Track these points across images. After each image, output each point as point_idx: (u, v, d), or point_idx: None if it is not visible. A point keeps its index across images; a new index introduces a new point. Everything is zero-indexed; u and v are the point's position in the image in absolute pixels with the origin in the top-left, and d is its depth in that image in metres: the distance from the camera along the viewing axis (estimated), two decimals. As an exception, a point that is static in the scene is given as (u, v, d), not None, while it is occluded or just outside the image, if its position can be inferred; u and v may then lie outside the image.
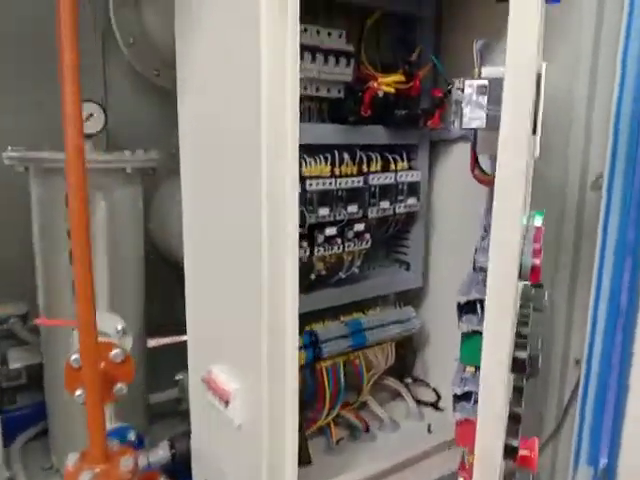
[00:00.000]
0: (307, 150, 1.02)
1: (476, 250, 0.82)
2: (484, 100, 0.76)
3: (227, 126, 0.84)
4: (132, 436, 1.24)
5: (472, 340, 0.79)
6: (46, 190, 1.34)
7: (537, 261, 0.77)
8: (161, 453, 1.28)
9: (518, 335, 0.77)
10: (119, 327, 1.23)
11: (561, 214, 1.41)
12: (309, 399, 1.10)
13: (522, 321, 0.82)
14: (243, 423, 0.87)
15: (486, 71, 0.80)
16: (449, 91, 1.07)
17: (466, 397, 0.81)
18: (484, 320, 0.74)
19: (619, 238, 1.25)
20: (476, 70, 0.86)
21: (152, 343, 1.64)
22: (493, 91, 0.75)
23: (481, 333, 0.75)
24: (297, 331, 0.81)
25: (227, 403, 0.86)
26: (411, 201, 1.16)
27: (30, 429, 1.60)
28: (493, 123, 0.74)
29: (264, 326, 0.79)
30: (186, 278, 1.05)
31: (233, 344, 0.92)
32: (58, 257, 1.35)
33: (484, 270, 0.75)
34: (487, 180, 0.99)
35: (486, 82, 0.76)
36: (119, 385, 1.11)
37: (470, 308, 0.80)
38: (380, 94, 1.02)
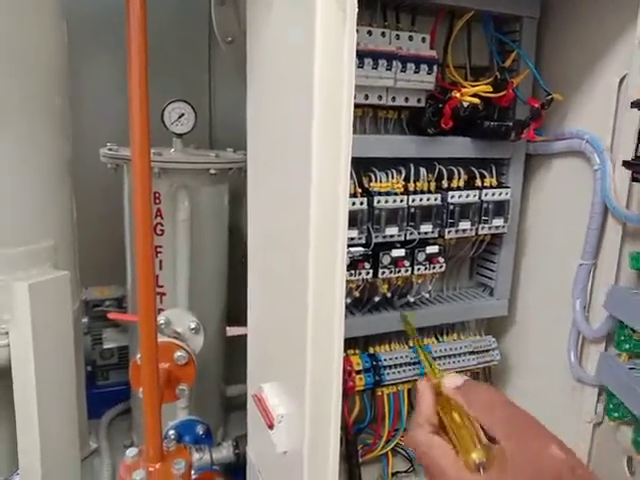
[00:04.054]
0: (378, 163, 0.95)
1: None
2: None
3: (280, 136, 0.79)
4: (200, 430, 1.27)
5: None
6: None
7: None
8: (224, 452, 1.29)
9: None
10: (192, 325, 1.26)
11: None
12: (367, 425, 1.05)
13: None
14: (288, 450, 0.84)
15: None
16: (548, 101, 0.94)
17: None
18: None
19: None
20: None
21: (231, 332, 1.65)
22: None
23: None
24: (342, 355, 0.74)
25: (271, 427, 0.83)
26: (497, 222, 1.03)
27: (118, 406, 1.71)
28: None
29: (309, 346, 0.73)
30: (249, 282, 1.01)
31: (284, 364, 0.88)
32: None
33: None
34: None
35: None
36: (181, 386, 1.14)
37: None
38: (465, 104, 0.92)
